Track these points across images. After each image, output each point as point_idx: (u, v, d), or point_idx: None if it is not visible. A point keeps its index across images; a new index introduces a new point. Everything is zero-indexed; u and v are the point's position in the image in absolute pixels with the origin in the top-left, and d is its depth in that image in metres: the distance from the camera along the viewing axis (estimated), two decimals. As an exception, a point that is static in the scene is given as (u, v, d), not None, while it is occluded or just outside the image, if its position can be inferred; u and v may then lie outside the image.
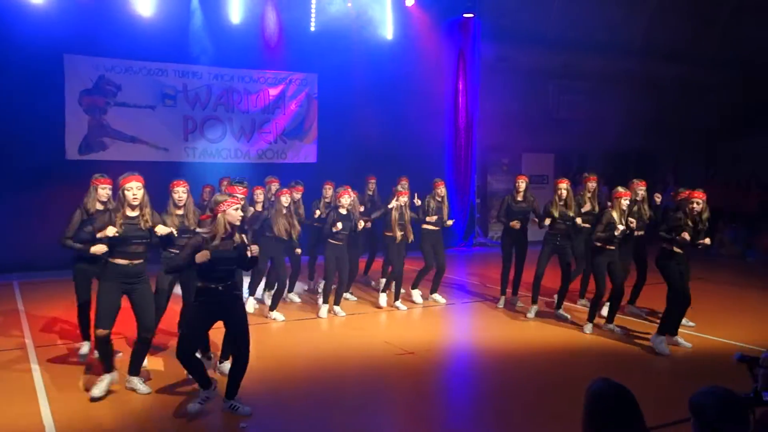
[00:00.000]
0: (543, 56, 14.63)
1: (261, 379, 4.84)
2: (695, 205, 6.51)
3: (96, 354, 5.44)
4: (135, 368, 5.25)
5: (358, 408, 5.10)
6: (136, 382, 5.21)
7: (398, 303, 8.39)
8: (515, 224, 8.18)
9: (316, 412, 4.97)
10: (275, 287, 7.87)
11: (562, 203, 7.74)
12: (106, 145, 11.17)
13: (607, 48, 15.18)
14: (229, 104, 12.19)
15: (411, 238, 8.27)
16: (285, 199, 7.61)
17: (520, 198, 8.26)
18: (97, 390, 5.03)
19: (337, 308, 7.98)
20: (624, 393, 2.43)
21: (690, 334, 6.97)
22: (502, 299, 8.53)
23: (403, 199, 8.15)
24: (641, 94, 14.72)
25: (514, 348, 6.79)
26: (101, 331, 4.98)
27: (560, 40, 14.67)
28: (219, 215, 4.69)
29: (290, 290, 8.66)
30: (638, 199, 7.59)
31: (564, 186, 7.81)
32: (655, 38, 16.00)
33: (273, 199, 7.90)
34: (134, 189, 4.98)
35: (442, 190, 8.62)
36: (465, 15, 13.65)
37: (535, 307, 7.98)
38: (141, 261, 5.09)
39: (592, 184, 8.03)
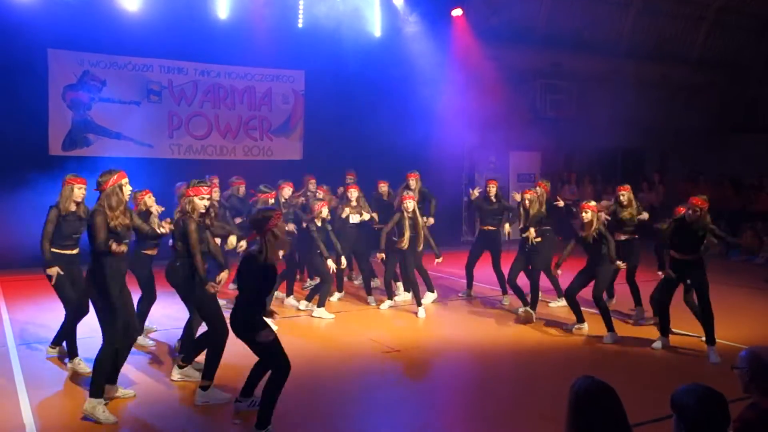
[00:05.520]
0: (530, 55, 14.68)
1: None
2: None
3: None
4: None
5: (342, 405, 5.09)
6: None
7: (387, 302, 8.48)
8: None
9: (300, 409, 4.95)
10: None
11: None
12: (90, 141, 11.06)
13: (594, 47, 15.29)
14: (215, 101, 12.11)
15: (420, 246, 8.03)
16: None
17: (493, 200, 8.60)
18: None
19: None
20: (607, 391, 2.45)
21: (672, 332, 7.01)
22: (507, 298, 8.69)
23: (410, 204, 7.82)
24: (627, 93, 14.83)
25: (501, 347, 6.80)
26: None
27: (548, 39, 14.74)
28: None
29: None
30: (624, 203, 7.73)
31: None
32: (641, 38, 16.12)
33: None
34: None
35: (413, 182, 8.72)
36: (453, 13, 13.65)
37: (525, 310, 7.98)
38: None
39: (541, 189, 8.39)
